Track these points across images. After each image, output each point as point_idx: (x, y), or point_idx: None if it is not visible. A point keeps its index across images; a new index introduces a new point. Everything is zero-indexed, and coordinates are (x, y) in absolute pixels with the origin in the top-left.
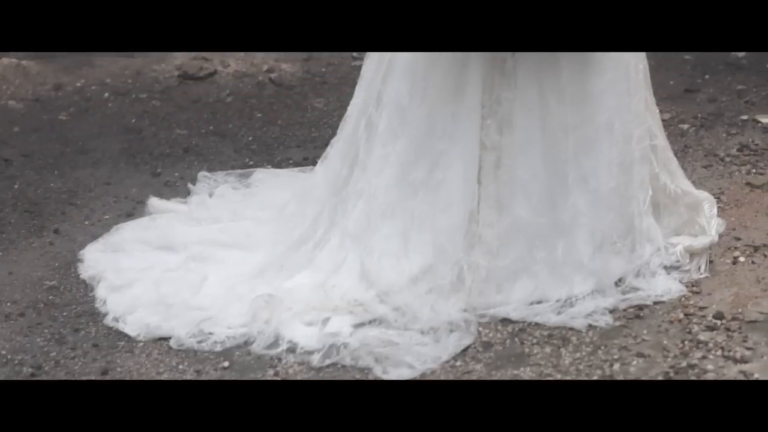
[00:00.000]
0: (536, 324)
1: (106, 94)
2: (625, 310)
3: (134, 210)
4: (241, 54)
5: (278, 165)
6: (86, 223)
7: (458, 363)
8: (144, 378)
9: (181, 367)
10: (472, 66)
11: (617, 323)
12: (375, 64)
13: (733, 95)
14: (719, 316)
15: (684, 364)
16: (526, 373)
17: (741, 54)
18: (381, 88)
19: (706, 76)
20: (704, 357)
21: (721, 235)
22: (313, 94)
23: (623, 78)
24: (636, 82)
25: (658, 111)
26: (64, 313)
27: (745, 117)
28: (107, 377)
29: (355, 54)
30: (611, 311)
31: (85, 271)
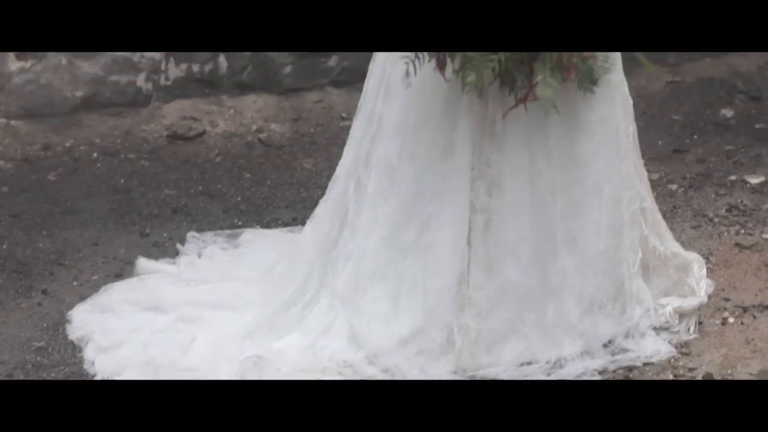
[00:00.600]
0: None
1: (95, 154)
2: (614, 371)
3: (123, 271)
4: (231, 113)
5: (267, 225)
6: (74, 283)
7: None
8: None
9: None
10: (461, 128)
11: None
12: (364, 125)
13: (721, 155)
14: (708, 377)
15: None
16: None
17: (729, 114)
18: (370, 149)
19: (695, 137)
20: None
21: (710, 296)
22: (302, 155)
23: (612, 141)
24: (626, 145)
25: (646, 173)
26: (52, 375)
27: (733, 177)
28: None
29: (344, 114)
30: (600, 372)
31: (74, 332)
